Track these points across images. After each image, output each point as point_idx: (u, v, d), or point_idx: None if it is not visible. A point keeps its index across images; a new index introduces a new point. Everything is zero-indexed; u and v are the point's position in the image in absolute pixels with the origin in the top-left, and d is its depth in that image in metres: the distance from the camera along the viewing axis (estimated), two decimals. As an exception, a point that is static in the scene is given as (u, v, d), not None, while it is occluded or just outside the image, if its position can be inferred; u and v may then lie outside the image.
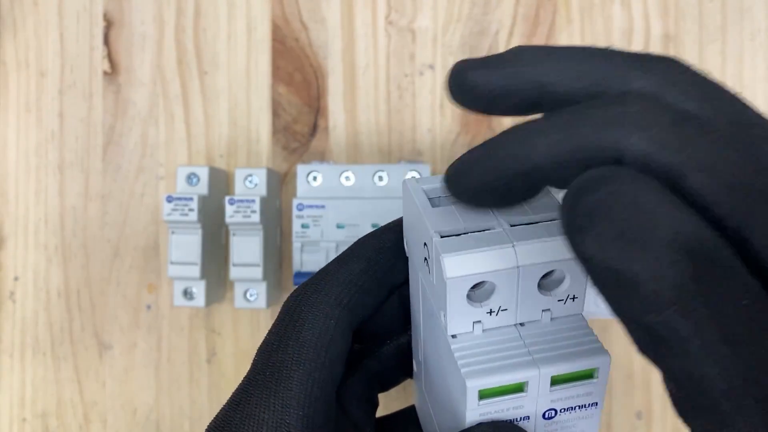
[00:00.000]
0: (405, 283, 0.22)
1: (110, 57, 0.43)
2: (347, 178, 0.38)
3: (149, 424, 0.42)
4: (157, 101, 0.42)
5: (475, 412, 0.17)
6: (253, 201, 0.37)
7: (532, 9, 0.41)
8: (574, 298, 0.18)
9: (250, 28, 0.42)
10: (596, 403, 0.18)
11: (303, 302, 0.21)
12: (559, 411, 0.18)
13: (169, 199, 0.37)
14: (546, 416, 0.18)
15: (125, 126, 0.43)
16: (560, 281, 0.18)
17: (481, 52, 0.42)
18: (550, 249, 0.17)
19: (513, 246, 0.17)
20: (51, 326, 0.42)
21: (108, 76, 0.43)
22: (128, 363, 0.42)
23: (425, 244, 0.18)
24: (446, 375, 0.19)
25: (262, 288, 0.39)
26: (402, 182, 0.20)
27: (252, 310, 0.41)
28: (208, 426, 0.20)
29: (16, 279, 0.43)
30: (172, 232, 0.38)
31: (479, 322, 0.18)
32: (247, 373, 0.20)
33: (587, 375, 0.18)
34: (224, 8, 0.42)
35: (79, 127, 0.43)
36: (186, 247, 0.38)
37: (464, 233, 0.17)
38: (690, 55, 0.41)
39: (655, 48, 0.41)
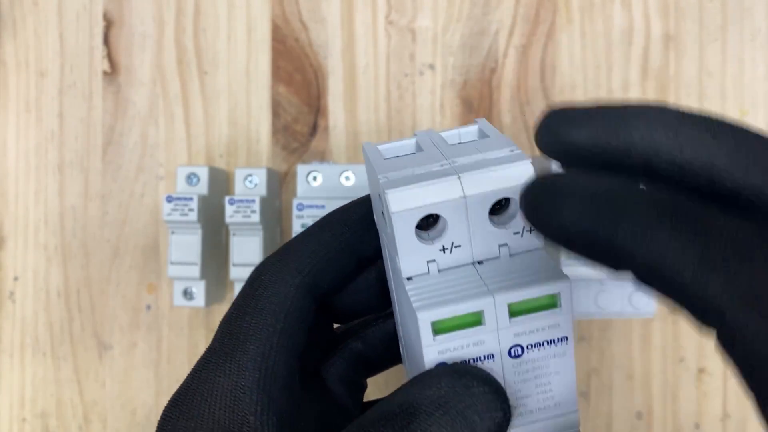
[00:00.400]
0: (377, 256, 0.22)
1: (110, 57, 0.43)
2: (347, 178, 0.38)
3: (149, 424, 0.42)
4: (157, 101, 0.42)
5: (433, 349, 0.17)
6: (253, 201, 0.37)
7: (532, 9, 0.41)
8: (531, 229, 0.18)
9: (250, 28, 0.42)
10: (566, 338, 0.17)
11: (264, 272, 0.21)
12: (525, 348, 0.17)
13: (169, 199, 0.37)
14: (512, 354, 0.17)
15: (125, 126, 0.43)
16: (514, 215, 0.17)
17: (482, 52, 0.42)
18: (497, 177, 0.17)
19: (458, 177, 0.17)
20: (51, 326, 0.42)
21: (108, 76, 0.43)
22: (128, 363, 0.42)
23: (379, 195, 0.18)
24: (409, 325, 0.18)
25: (262, 288, 0.39)
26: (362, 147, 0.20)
27: (252, 310, 0.41)
28: (172, 396, 0.20)
29: (15, 279, 0.43)
30: (172, 232, 0.38)
31: (433, 261, 0.17)
32: (209, 344, 0.20)
33: (549, 304, 0.17)
34: (224, 8, 0.42)
35: (78, 127, 0.43)
36: (186, 247, 0.38)
37: (411, 174, 0.17)
38: (690, 55, 0.41)
39: (656, 48, 0.41)
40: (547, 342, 0.17)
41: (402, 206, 0.16)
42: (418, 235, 0.17)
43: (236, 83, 0.42)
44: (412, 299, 0.17)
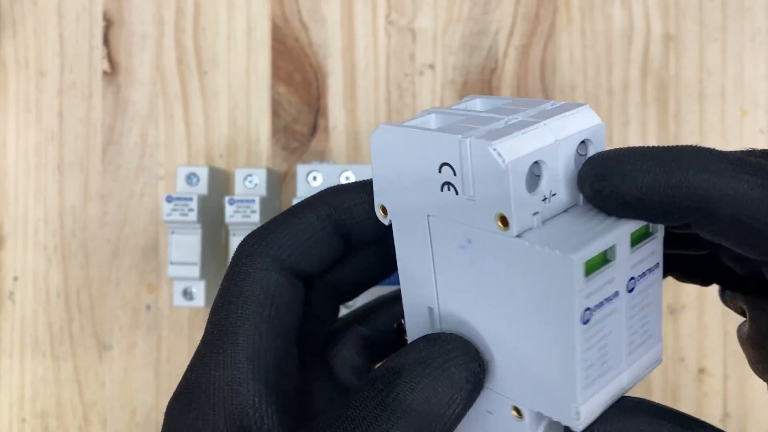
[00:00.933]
0: (375, 242, 0.21)
1: (110, 57, 0.43)
2: (347, 178, 0.38)
3: (149, 424, 0.42)
4: (157, 101, 0.42)
5: (583, 293, 0.16)
6: (252, 201, 0.37)
7: (532, 9, 0.41)
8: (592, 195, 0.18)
9: (250, 28, 0.42)
10: (658, 264, 0.18)
11: (243, 257, 0.20)
12: (636, 279, 0.18)
13: (169, 199, 0.37)
14: (629, 289, 0.18)
15: (125, 126, 0.42)
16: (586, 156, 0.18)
17: (482, 51, 0.42)
18: (574, 121, 0.18)
19: (544, 124, 0.17)
20: (50, 326, 0.42)
21: (108, 76, 0.43)
22: (128, 363, 0.42)
23: (444, 165, 0.18)
24: (518, 296, 0.18)
25: (261, 288, 0.39)
26: (372, 135, 0.20)
27: (252, 310, 0.41)
28: (175, 389, 0.20)
29: (15, 279, 0.43)
30: (172, 232, 0.38)
31: (537, 213, 0.17)
32: (203, 335, 0.20)
33: (648, 232, 0.18)
34: (224, 8, 0.42)
35: (78, 127, 0.43)
36: (186, 247, 0.38)
37: (495, 128, 0.17)
38: (690, 55, 0.41)
39: (656, 48, 0.41)
40: (649, 270, 0.18)
41: (515, 155, 0.16)
42: (527, 186, 0.17)
43: (236, 83, 0.42)
44: (546, 249, 0.16)
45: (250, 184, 0.39)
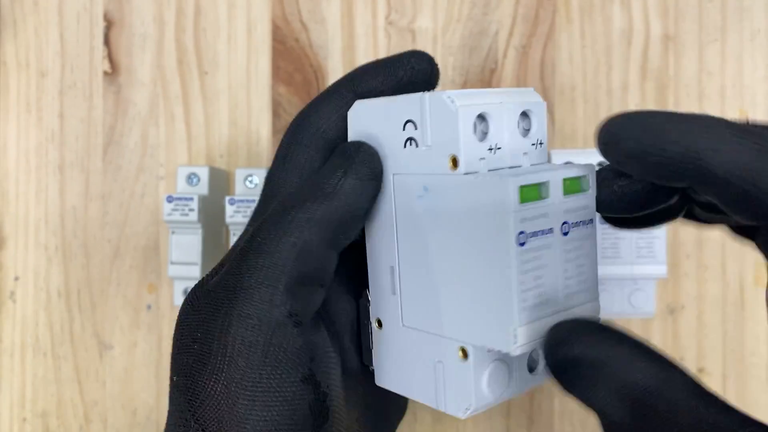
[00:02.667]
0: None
1: (110, 57, 0.43)
2: (347, 178, 0.38)
3: (150, 424, 0.42)
4: (158, 101, 0.42)
5: (518, 216, 0.19)
6: (253, 201, 0.37)
7: (532, 9, 0.42)
8: (541, 143, 0.22)
9: (251, 29, 0.42)
10: (591, 220, 0.21)
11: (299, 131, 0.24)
12: (571, 226, 0.20)
13: (170, 199, 0.37)
14: (564, 231, 0.20)
15: (125, 126, 0.43)
16: (528, 129, 0.22)
17: (481, 52, 0.42)
18: (516, 94, 0.22)
19: (491, 91, 0.21)
20: (51, 326, 0.42)
21: (108, 77, 0.43)
22: (129, 363, 0.42)
23: (407, 122, 0.21)
24: (467, 228, 0.20)
25: (262, 288, 0.39)
26: (349, 111, 0.23)
27: (252, 310, 0.41)
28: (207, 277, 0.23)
29: (16, 279, 0.43)
30: (173, 232, 0.38)
31: (484, 159, 0.21)
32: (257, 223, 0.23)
33: (583, 188, 0.21)
34: (224, 8, 0.42)
35: (79, 127, 0.43)
36: (186, 247, 0.38)
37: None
38: (690, 56, 0.41)
39: (655, 48, 0.41)
40: (582, 222, 0.21)
41: (464, 102, 0.20)
42: (475, 133, 0.20)
43: (236, 83, 0.42)
44: (490, 177, 0.20)
45: (251, 184, 0.39)
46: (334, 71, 0.42)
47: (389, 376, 0.24)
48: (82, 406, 0.42)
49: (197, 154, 0.42)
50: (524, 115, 0.21)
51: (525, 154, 0.22)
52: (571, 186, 0.21)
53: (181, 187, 0.39)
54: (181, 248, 0.38)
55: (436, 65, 0.24)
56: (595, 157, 0.36)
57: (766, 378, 0.40)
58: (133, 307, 0.42)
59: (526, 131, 0.22)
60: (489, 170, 0.21)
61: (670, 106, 0.41)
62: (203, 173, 0.39)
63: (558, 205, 0.20)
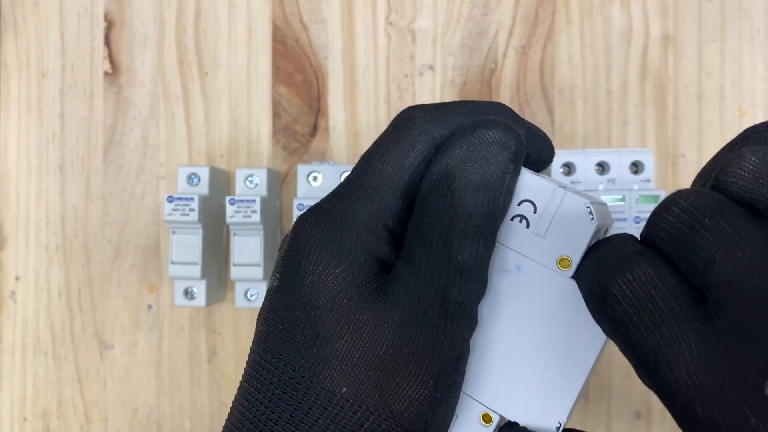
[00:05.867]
0: None
1: (111, 57, 0.43)
2: (347, 178, 0.38)
3: (150, 423, 0.42)
4: (158, 101, 0.43)
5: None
6: (253, 201, 0.37)
7: (532, 10, 0.42)
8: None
9: (251, 29, 0.42)
10: None
11: (414, 119, 0.22)
12: None
13: (170, 199, 0.37)
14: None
15: (126, 126, 0.43)
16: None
17: (481, 52, 0.42)
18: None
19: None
20: (52, 326, 0.42)
21: (109, 77, 0.43)
22: (129, 362, 0.42)
23: (525, 201, 0.22)
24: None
25: (262, 288, 0.39)
26: None
27: (253, 309, 0.41)
28: (309, 209, 0.22)
29: (17, 279, 0.43)
30: (173, 232, 0.38)
31: None
32: (348, 177, 0.22)
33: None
34: (225, 9, 0.42)
35: (80, 128, 0.43)
36: (187, 247, 0.38)
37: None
38: (689, 56, 0.41)
39: (654, 48, 0.41)
40: None
41: (600, 218, 0.21)
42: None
43: (237, 84, 0.42)
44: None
45: (251, 184, 0.39)
46: (334, 71, 0.42)
47: None
48: (83, 406, 0.42)
49: (198, 154, 0.42)
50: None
51: None
52: None
53: (182, 187, 0.39)
54: (181, 248, 0.38)
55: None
56: (594, 157, 0.36)
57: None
58: (133, 307, 0.42)
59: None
60: None
61: (670, 106, 0.41)
62: (204, 173, 0.39)
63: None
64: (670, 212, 0.18)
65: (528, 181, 0.22)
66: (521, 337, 0.22)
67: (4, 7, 0.43)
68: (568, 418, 0.21)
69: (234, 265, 0.38)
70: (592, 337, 0.20)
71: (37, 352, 0.42)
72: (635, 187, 0.35)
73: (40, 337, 0.42)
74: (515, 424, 0.22)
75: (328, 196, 0.22)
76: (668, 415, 0.41)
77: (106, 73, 0.43)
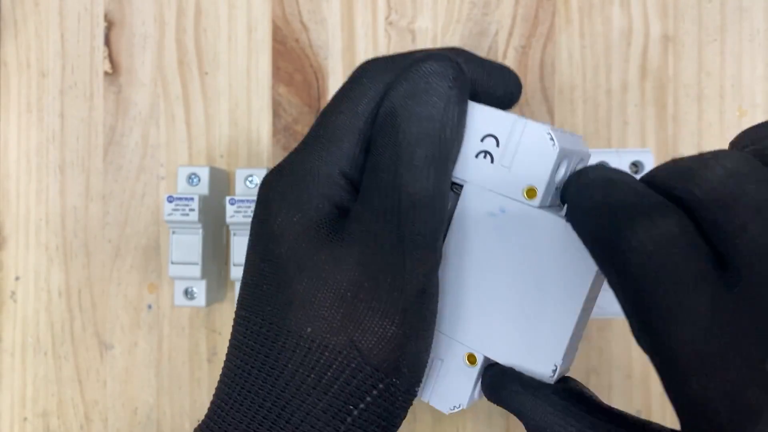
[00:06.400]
0: None
1: (111, 57, 0.43)
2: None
3: (150, 423, 0.42)
4: (158, 101, 0.43)
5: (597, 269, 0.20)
6: (253, 201, 0.37)
7: (532, 9, 0.42)
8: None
9: (251, 29, 0.42)
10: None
11: (366, 73, 0.23)
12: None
13: (170, 199, 0.37)
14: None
15: (126, 126, 0.43)
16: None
17: (481, 52, 0.42)
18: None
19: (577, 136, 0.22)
20: (52, 326, 0.42)
21: (109, 77, 0.43)
22: (129, 362, 0.42)
23: (488, 136, 0.22)
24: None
25: (262, 288, 0.39)
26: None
27: (252, 309, 0.41)
28: (274, 167, 0.23)
29: (17, 279, 0.43)
30: (173, 232, 0.38)
31: (549, 198, 0.22)
32: (308, 131, 0.23)
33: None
34: (225, 9, 0.42)
35: (80, 128, 0.43)
36: (187, 247, 0.38)
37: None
38: (689, 56, 0.41)
39: (654, 48, 0.41)
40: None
41: (563, 145, 0.21)
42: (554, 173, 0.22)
43: (237, 84, 0.42)
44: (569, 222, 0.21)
45: (251, 184, 0.39)
46: (334, 71, 0.42)
47: None
48: (83, 406, 0.42)
49: (198, 154, 0.42)
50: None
51: None
52: None
53: (182, 187, 0.39)
54: (181, 248, 0.38)
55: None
56: (594, 157, 0.36)
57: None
58: (133, 307, 0.42)
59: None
60: (549, 206, 0.21)
61: (670, 106, 0.41)
62: (204, 173, 0.39)
63: None
64: (712, 171, 0.16)
65: (488, 116, 0.22)
66: (508, 278, 0.21)
67: (4, 7, 0.43)
68: (565, 362, 0.20)
69: (234, 265, 0.38)
70: (579, 277, 0.20)
71: (37, 352, 0.43)
72: (635, 187, 0.35)
73: (40, 337, 0.43)
74: (510, 368, 0.21)
75: (290, 152, 0.23)
76: (668, 415, 0.42)
77: (106, 73, 0.43)
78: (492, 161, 0.21)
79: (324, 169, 0.22)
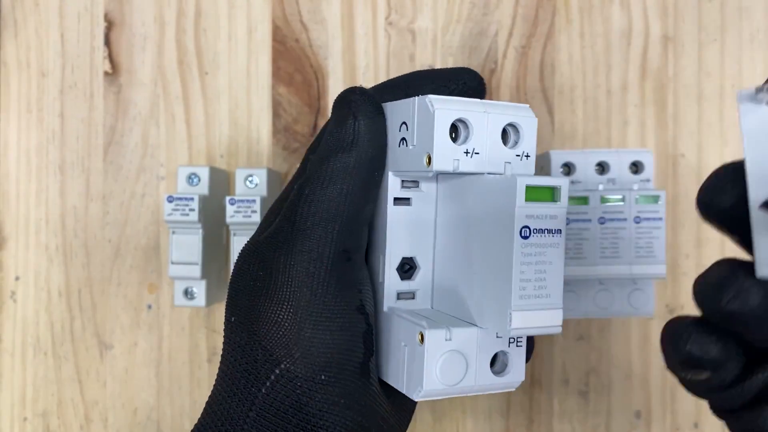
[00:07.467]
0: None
1: (111, 57, 0.43)
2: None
3: (150, 423, 0.42)
4: (158, 101, 0.43)
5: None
6: (253, 201, 0.37)
7: (532, 9, 0.42)
8: (527, 156, 0.23)
9: (251, 29, 0.42)
10: (560, 231, 0.22)
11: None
12: (532, 231, 0.21)
13: (170, 199, 0.37)
14: (522, 234, 0.21)
15: (126, 126, 0.43)
16: (517, 141, 0.23)
17: (481, 52, 0.42)
18: (508, 108, 0.23)
19: (481, 101, 0.22)
20: (52, 326, 0.42)
21: (109, 77, 0.43)
22: (129, 363, 0.42)
23: (402, 123, 0.23)
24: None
25: (262, 288, 0.39)
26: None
27: (252, 309, 0.41)
28: (249, 244, 0.26)
29: (17, 279, 0.43)
30: (173, 232, 0.38)
31: (458, 160, 0.22)
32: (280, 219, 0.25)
33: (552, 197, 0.22)
34: (225, 9, 0.42)
35: (80, 128, 0.43)
36: (187, 247, 0.38)
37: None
38: (689, 56, 0.41)
39: (654, 48, 0.41)
40: (548, 230, 0.21)
41: (442, 105, 0.21)
42: (450, 136, 0.22)
43: (237, 84, 0.42)
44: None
45: (251, 184, 0.39)
46: (334, 71, 0.42)
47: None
48: (83, 406, 0.42)
49: (198, 154, 0.42)
50: (514, 127, 0.23)
51: (508, 163, 0.23)
52: (536, 196, 0.22)
53: (182, 187, 0.39)
54: (181, 248, 0.38)
55: (484, 83, 0.26)
56: (594, 157, 0.36)
57: (765, 377, 0.40)
58: (133, 307, 0.42)
59: (515, 143, 0.23)
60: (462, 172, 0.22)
61: (670, 106, 0.41)
62: (204, 173, 0.39)
63: (523, 208, 0.22)
64: None
65: (398, 107, 0.23)
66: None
67: (4, 7, 0.43)
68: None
69: (234, 265, 0.38)
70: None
71: (37, 352, 0.43)
72: (635, 187, 0.35)
73: (40, 337, 0.43)
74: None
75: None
76: (668, 415, 0.42)
77: (106, 73, 0.43)
78: (407, 145, 0.23)
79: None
